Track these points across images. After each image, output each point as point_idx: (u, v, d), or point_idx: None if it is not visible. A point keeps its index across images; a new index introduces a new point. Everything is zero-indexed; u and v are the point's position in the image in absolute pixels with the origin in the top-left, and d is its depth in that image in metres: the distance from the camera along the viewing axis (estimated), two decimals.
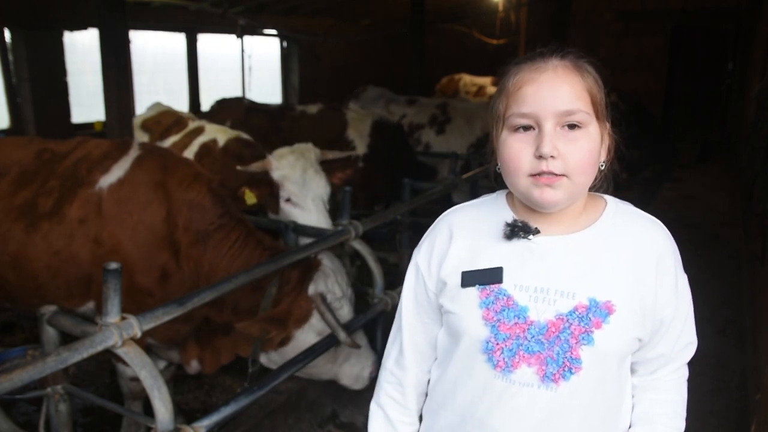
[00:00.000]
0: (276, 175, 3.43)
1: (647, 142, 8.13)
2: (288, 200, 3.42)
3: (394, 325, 1.33)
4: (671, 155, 9.28)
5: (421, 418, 1.33)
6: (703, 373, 3.51)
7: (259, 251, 2.59)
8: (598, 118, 1.10)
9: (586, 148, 1.07)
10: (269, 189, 3.43)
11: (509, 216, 1.17)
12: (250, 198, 3.36)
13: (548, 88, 1.06)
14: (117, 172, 2.63)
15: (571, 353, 1.08)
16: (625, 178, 7.06)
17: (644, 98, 9.38)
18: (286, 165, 3.43)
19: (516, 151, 1.08)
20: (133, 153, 2.71)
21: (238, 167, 3.40)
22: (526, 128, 1.08)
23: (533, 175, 1.07)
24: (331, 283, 2.56)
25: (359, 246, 2.85)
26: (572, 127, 1.06)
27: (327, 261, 2.62)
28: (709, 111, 11.41)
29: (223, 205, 2.60)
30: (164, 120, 4.36)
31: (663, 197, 7.50)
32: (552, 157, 1.04)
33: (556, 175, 1.05)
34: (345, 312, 2.65)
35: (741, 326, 4.12)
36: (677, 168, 8.94)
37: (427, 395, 1.31)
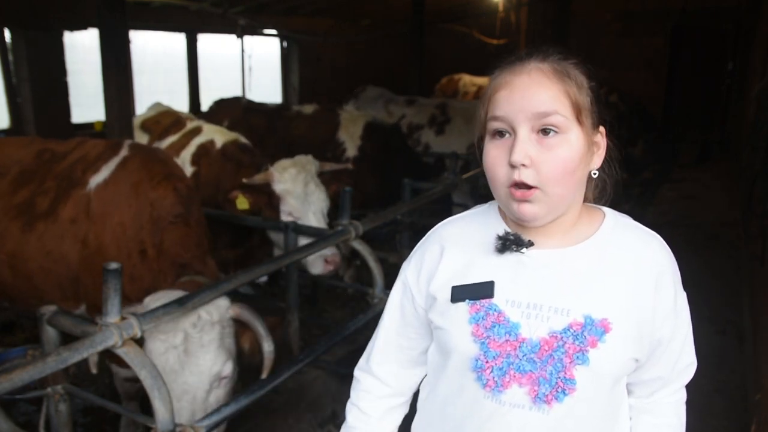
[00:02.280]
0: (278, 188, 3.46)
1: (648, 140, 8.14)
2: (290, 214, 3.44)
3: (374, 334, 1.30)
4: (671, 155, 9.27)
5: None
6: (703, 373, 3.50)
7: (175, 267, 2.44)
8: (581, 123, 1.03)
9: (562, 156, 1.00)
10: (266, 199, 3.44)
11: (501, 228, 1.12)
12: (242, 203, 3.33)
13: (520, 91, 1.01)
14: (104, 173, 2.65)
15: (565, 373, 1.03)
16: (626, 177, 7.05)
17: (644, 98, 9.35)
18: (289, 179, 3.45)
19: (492, 159, 1.04)
20: (122, 153, 2.72)
21: (244, 180, 3.42)
22: (502, 134, 1.03)
23: (510, 187, 1.02)
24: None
25: (359, 246, 2.85)
26: (548, 132, 1.00)
27: (206, 311, 2.07)
28: (709, 111, 11.40)
29: (183, 206, 2.56)
30: (163, 120, 4.36)
31: (663, 197, 7.50)
32: (523, 165, 0.99)
33: (530, 187, 1.00)
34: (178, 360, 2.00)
35: (741, 326, 4.12)
36: (677, 168, 8.94)
37: (416, 412, 1.28)
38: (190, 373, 2.03)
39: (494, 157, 1.04)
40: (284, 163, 3.55)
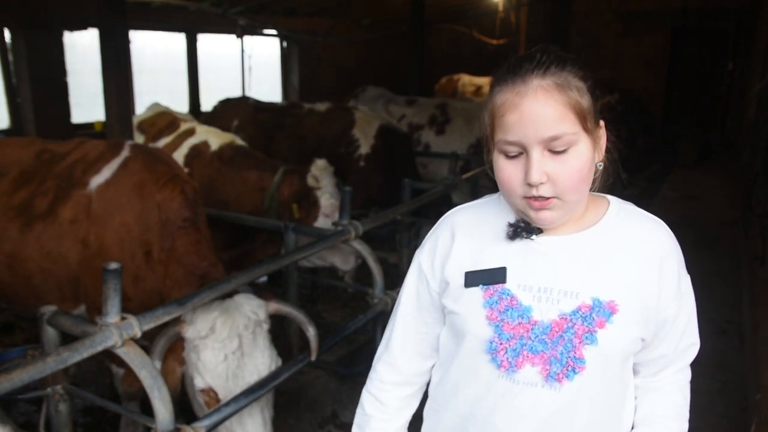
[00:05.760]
0: (321, 193, 3.55)
1: (648, 140, 8.13)
2: (327, 216, 3.54)
3: (389, 323, 1.33)
4: (671, 155, 9.27)
5: (421, 419, 1.32)
6: (703, 373, 3.51)
7: (192, 267, 2.44)
8: (587, 129, 1.06)
9: (576, 167, 1.05)
10: (307, 207, 3.54)
11: (511, 216, 1.17)
12: (296, 213, 3.50)
13: (529, 116, 1.03)
14: (106, 173, 2.64)
15: (575, 353, 1.08)
16: (626, 177, 7.04)
17: (644, 98, 9.37)
18: (328, 184, 3.56)
19: (507, 175, 1.08)
20: (124, 154, 2.71)
21: (312, 183, 3.53)
22: (515, 154, 1.07)
23: (527, 198, 1.07)
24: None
25: (359, 246, 2.84)
26: (560, 150, 1.04)
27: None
28: (709, 111, 11.40)
29: (191, 209, 2.55)
30: (159, 122, 4.36)
31: (663, 197, 7.50)
32: (541, 183, 1.04)
33: (547, 198, 1.05)
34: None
35: (741, 326, 4.12)
36: (677, 168, 8.94)
37: (428, 397, 1.31)
38: (250, 374, 2.10)
39: (509, 173, 1.08)
40: (320, 164, 3.61)
